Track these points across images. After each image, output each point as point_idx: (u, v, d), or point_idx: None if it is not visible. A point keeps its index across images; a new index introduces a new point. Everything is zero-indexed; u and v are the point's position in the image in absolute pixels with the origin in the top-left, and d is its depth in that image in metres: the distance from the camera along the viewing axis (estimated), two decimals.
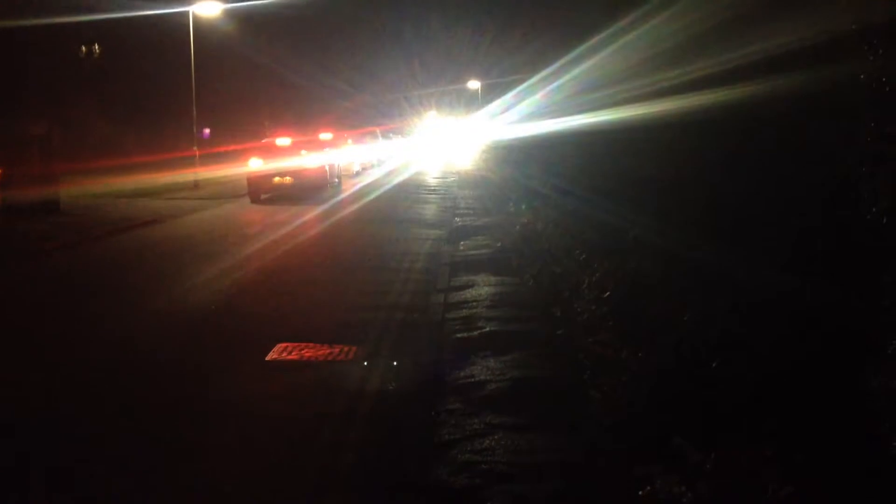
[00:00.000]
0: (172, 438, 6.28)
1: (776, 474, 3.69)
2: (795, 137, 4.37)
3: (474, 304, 10.64)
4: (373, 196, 28.42)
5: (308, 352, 8.69)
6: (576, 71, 12.65)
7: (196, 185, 30.89)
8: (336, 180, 30.30)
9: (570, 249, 9.41)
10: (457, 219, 20.64)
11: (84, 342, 9.28)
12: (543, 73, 14.76)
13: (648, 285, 6.10)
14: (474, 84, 63.67)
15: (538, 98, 17.24)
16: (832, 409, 4.00)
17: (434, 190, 31.04)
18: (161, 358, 8.63)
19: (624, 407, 5.45)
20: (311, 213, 22.89)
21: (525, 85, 20.59)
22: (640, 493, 4.58)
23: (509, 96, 25.64)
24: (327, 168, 28.34)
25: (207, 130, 44.38)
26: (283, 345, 8.85)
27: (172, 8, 32.65)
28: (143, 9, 33.66)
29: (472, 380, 7.39)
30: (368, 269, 13.74)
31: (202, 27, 34.81)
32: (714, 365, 4.72)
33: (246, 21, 43.44)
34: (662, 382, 5.31)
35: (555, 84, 14.75)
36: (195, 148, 32.01)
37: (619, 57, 9.13)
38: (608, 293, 6.68)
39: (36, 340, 9.46)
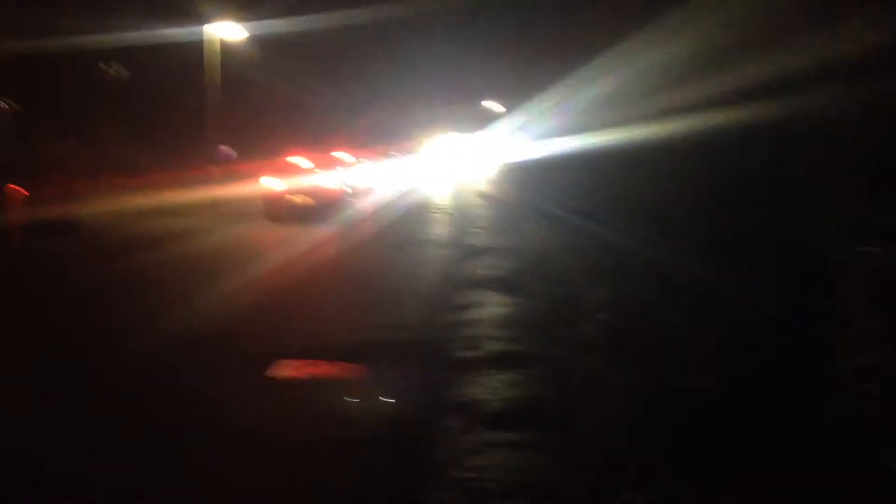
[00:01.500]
0: (159, 452, 6.37)
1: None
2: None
3: (481, 324, 10.70)
4: (389, 216, 28.56)
5: (311, 368, 8.80)
6: (589, 89, 12.73)
7: (214, 204, 31.18)
8: (352, 200, 30.49)
9: (580, 271, 9.47)
10: (472, 240, 20.72)
11: (85, 357, 9.42)
12: (556, 92, 14.85)
13: (645, 309, 6.14)
14: (496, 103, 63.72)
15: (552, 117, 17.33)
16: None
17: (450, 212, 31.13)
18: (162, 374, 8.75)
19: (611, 430, 5.49)
20: (326, 232, 23.06)
21: (538, 105, 20.70)
22: None
23: (524, 116, 25.76)
24: (343, 188, 28.54)
25: (225, 149, 44.73)
26: (287, 361, 8.96)
27: (193, 27, 33.20)
28: (165, 29, 34.17)
29: (472, 398, 7.46)
30: (380, 291, 13.83)
31: (224, 49, 35.23)
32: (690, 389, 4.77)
33: (263, 43, 43.88)
34: (652, 407, 5.34)
35: (567, 103, 14.84)
36: (212, 167, 32.34)
37: (626, 77, 9.18)
38: (606, 315, 6.73)
39: (40, 356, 9.62)
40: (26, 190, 20.51)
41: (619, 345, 6.67)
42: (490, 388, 7.72)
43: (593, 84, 11.64)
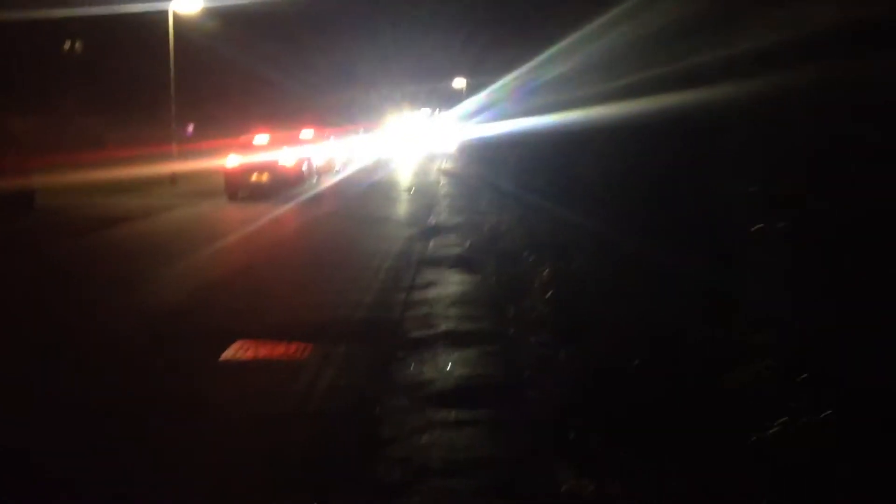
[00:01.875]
0: (109, 434, 6.38)
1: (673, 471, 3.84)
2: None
3: (435, 302, 10.77)
4: (350, 193, 28.51)
5: (264, 349, 8.82)
6: (547, 72, 12.81)
7: (173, 181, 30.89)
8: (315, 178, 30.36)
9: (528, 248, 9.55)
10: (431, 217, 20.76)
11: (35, 341, 9.35)
12: (512, 75, 14.92)
13: (587, 285, 6.24)
14: (459, 82, 63.67)
15: (507, 97, 17.39)
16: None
17: (410, 188, 31.13)
18: (113, 355, 8.72)
19: (554, 407, 5.59)
20: (286, 210, 22.98)
21: (497, 85, 20.75)
22: (562, 490, 4.73)
23: (484, 95, 25.79)
24: (305, 165, 28.40)
25: (191, 127, 44.29)
26: (241, 342, 8.97)
27: (153, 2, 32.72)
28: (125, 4, 33.65)
29: (421, 378, 7.54)
30: (338, 268, 13.86)
31: (184, 24, 34.77)
32: (636, 364, 4.87)
33: (227, 18, 43.38)
34: (593, 383, 5.45)
35: (526, 84, 14.89)
36: (174, 144, 32.02)
37: (578, 62, 9.25)
38: (550, 293, 6.82)
39: None
40: None
41: (566, 321, 6.77)
42: (439, 367, 7.80)
43: (551, 67, 11.74)
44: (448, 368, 7.73)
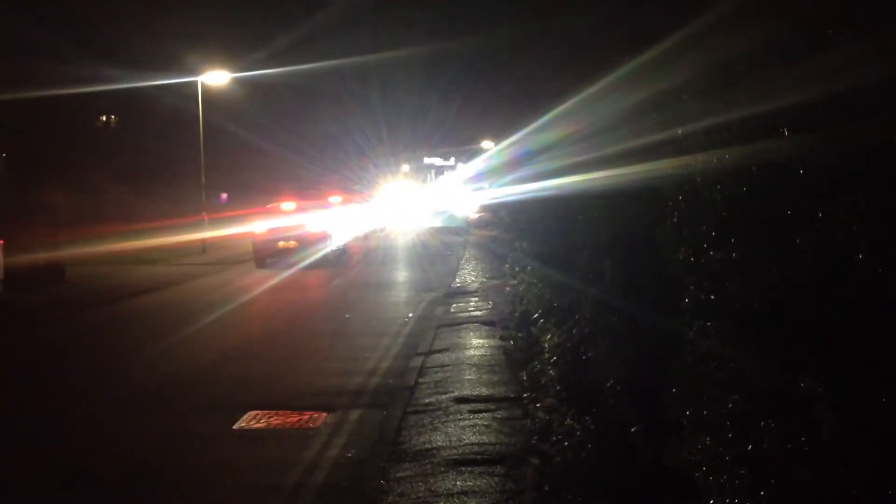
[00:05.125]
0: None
1: None
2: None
3: (450, 367, 10.73)
4: (373, 259, 28.67)
5: (277, 420, 8.79)
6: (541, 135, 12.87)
7: (204, 249, 31.28)
8: (340, 243, 30.57)
9: (540, 313, 9.50)
10: (455, 280, 20.78)
11: (52, 409, 9.47)
12: (520, 136, 14.96)
13: (589, 352, 6.17)
14: (487, 144, 64.25)
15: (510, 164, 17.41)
16: None
17: (432, 253, 31.17)
18: (128, 425, 8.76)
19: (559, 477, 5.49)
20: (311, 278, 23.12)
21: (502, 145, 20.83)
22: None
23: (490, 159, 25.96)
24: (331, 231, 28.63)
25: (225, 195, 44.99)
26: (254, 413, 8.96)
27: (183, 78, 33.58)
28: (155, 79, 34.52)
29: (429, 446, 7.45)
30: (356, 335, 13.84)
31: (212, 96, 35.62)
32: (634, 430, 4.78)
33: (255, 88, 44.30)
34: (592, 452, 5.35)
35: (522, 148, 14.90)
36: (204, 213, 32.54)
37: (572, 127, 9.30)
38: (555, 358, 6.75)
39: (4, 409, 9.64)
40: (11, 238, 20.40)
41: (572, 387, 6.68)
42: (448, 434, 7.72)
43: (548, 131, 11.89)
44: (456, 436, 7.65)
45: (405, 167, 75.29)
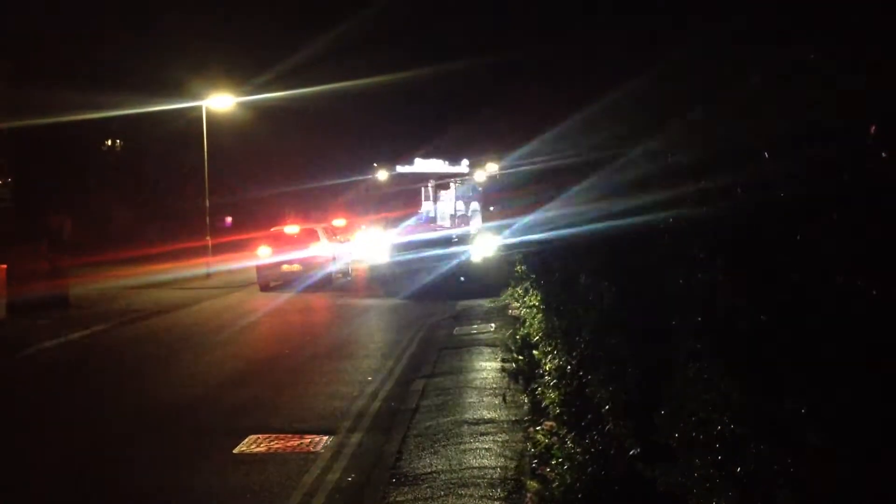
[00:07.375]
0: None
1: None
2: None
3: (452, 390, 10.72)
4: (378, 282, 28.65)
5: (277, 443, 8.80)
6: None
7: (208, 274, 31.31)
8: (344, 267, 30.54)
9: (541, 336, 9.54)
10: (459, 304, 20.77)
11: (53, 432, 9.51)
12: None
13: (589, 375, 6.17)
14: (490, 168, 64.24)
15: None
16: None
17: (436, 283, 30.94)
18: (128, 448, 8.78)
19: (556, 499, 5.49)
20: (314, 300, 23.15)
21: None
22: None
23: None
24: (335, 254, 28.63)
25: (229, 219, 45.10)
26: (255, 437, 8.97)
27: (188, 102, 33.77)
28: (160, 104, 34.71)
29: (429, 470, 7.45)
30: (361, 357, 13.82)
31: (217, 120, 35.80)
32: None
33: (260, 112, 44.45)
34: (592, 475, 5.35)
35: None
36: (208, 238, 32.62)
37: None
38: (554, 381, 6.76)
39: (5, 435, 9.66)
40: (15, 262, 20.46)
41: (570, 410, 6.69)
42: (448, 458, 7.72)
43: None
44: (456, 459, 7.65)
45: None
